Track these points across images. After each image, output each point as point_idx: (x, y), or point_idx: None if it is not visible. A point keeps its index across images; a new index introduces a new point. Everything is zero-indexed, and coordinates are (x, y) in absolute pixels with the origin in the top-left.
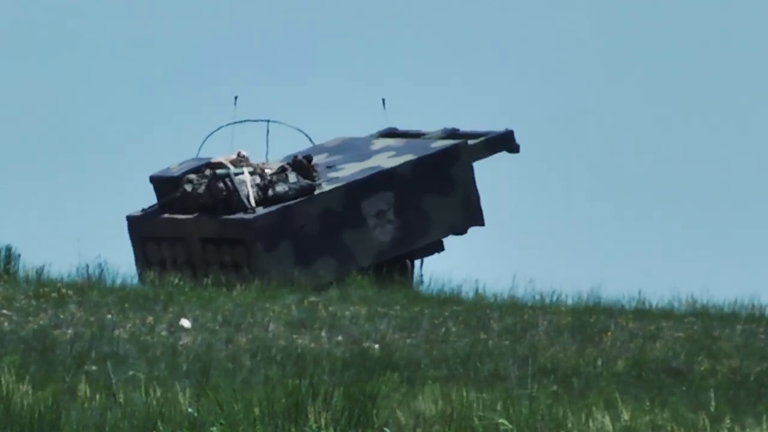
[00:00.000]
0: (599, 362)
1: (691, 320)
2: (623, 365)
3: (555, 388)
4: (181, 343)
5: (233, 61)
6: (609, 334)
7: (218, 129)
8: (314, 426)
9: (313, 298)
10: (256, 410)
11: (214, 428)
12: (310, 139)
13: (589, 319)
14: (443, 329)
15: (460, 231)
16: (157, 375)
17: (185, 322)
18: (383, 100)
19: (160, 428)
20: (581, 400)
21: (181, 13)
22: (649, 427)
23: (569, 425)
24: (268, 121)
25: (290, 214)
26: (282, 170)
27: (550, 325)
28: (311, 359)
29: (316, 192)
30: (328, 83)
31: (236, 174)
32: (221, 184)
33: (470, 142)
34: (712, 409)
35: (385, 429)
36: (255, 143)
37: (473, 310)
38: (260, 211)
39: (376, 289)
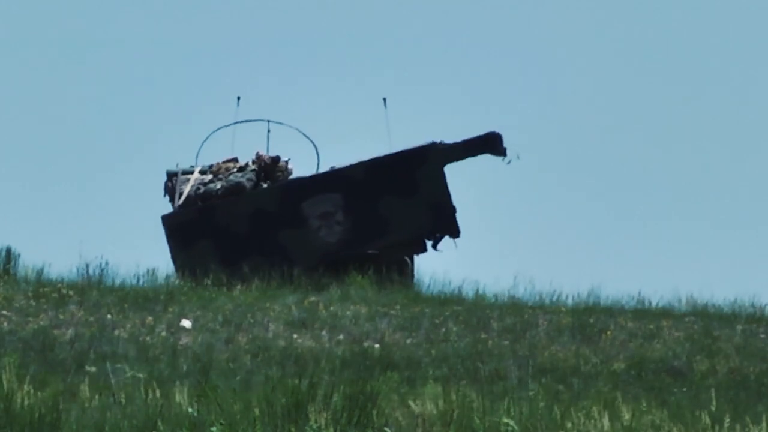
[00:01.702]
0: (599, 362)
1: (691, 320)
2: (623, 365)
3: (555, 387)
4: (181, 343)
5: (236, 62)
6: (608, 333)
7: (217, 129)
8: (314, 426)
9: (313, 298)
10: (256, 410)
11: (214, 428)
12: (309, 139)
13: (589, 319)
14: (444, 329)
15: (445, 232)
16: (157, 375)
17: (185, 323)
18: (384, 100)
19: (160, 428)
20: (581, 399)
21: (182, 14)
22: (649, 427)
23: (569, 425)
24: (268, 121)
25: (212, 213)
26: (241, 169)
27: (550, 324)
28: (311, 359)
29: (248, 192)
30: (330, 84)
31: (185, 173)
32: (170, 183)
33: (443, 144)
34: (713, 409)
35: (386, 429)
36: (258, 144)
37: (473, 310)
38: (179, 209)
39: (377, 289)
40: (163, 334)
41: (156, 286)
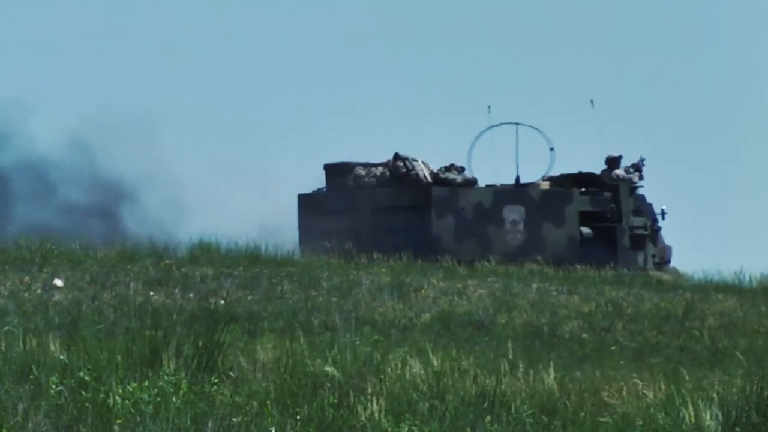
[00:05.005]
0: (413, 315)
1: (493, 279)
2: (433, 318)
3: (375, 338)
4: (54, 299)
5: (485, 70)
6: (422, 291)
7: (481, 134)
8: (167, 371)
9: (167, 261)
10: (118, 357)
11: (82, 372)
12: (546, 138)
13: (406, 278)
14: (280, 287)
15: (567, 262)
16: (33, 327)
17: (58, 281)
18: (591, 101)
19: (35, 373)
20: (398, 348)
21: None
22: (456, 371)
23: (388, 370)
24: (516, 124)
25: (456, 196)
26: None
27: (372, 284)
28: (165, 313)
29: (476, 186)
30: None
31: (413, 161)
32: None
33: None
34: (510, 357)
35: (230, 373)
36: (508, 146)
37: (305, 271)
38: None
39: (223, 252)
40: (39, 291)
41: (32, 250)
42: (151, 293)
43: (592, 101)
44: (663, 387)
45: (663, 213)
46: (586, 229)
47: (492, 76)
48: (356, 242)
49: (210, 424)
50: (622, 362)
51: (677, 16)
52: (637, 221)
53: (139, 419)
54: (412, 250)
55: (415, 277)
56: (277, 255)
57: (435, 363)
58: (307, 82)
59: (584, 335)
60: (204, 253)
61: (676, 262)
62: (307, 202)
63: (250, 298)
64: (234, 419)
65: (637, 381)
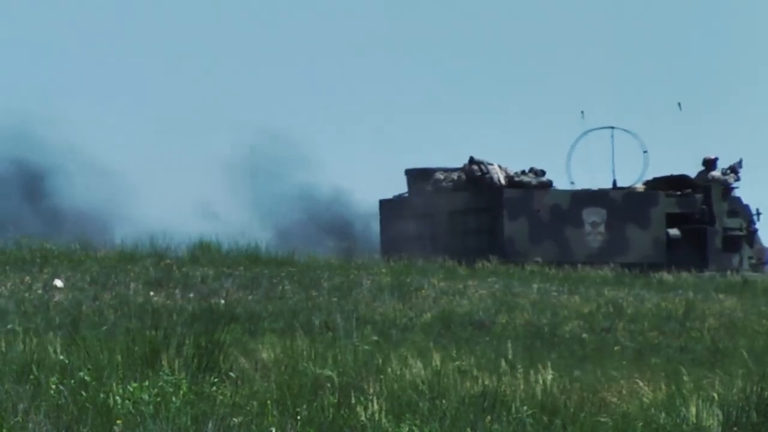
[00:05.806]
0: (414, 315)
1: (493, 280)
2: (434, 318)
3: (375, 338)
4: (54, 299)
5: (578, 78)
6: (422, 292)
7: (578, 140)
8: (167, 371)
9: (168, 261)
10: (119, 357)
11: (82, 373)
12: (640, 141)
13: (406, 279)
14: (280, 287)
15: (653, 263)
16: (33, 327)
17: (58, 282)
18: (679, 104)
19: (35, 373)
20: (398, 348)
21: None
22: (456, 371)
23: (388, 371)
24: (612, 128)
25: (530, 198)
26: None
27: (373, 284)
28: (166, 313)
29: (552, 188)
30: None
31: (489, 164)
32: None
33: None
34: (510, 357)
35: (230, 373)
36: (602, 151)
37: (306, 271)
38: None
39: (223, 252)
40: (39, 291)
41: (32, 250)
42: (152, 293)
43: (679, 104)
44: (663, 387)
45: (758, 214)
46: (673, 231)
47: (581, 79)
48: (434, 246)
49: (210, 425)
50: (622, 362)
51: None
52: (732, 223)
53: (139, 419)
54: (486, 253)
55: (416, 278)
56: (277, 255)
57: (435, 363)
58: (416, 85)
59: (585, 335)
60: (204, 253)
61: None
62: (388, 207)
63: (250, 298)
64: (234, 419)
65: (638, 381)
